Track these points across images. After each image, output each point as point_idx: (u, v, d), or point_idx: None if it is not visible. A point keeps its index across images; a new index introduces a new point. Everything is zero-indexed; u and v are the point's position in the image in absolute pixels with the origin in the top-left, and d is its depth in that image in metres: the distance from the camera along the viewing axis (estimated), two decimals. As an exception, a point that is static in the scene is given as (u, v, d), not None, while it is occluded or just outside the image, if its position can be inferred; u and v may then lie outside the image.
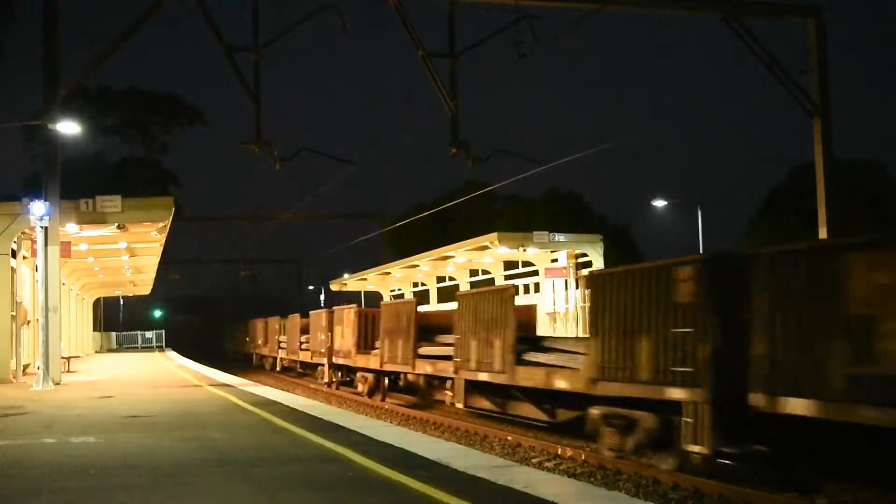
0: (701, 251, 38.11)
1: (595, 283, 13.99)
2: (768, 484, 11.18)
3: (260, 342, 51.99)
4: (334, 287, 59.21)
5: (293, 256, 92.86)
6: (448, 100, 24.83)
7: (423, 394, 23.60)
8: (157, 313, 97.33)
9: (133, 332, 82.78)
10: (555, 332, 29.59)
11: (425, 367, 21.57)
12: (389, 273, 45.58)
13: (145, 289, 59.17)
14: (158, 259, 40.56)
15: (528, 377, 15.87)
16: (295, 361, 39.70)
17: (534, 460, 14.29)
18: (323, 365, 31.97)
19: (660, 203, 42.53)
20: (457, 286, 40.82)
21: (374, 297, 53.82)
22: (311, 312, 35.94)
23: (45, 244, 23.17)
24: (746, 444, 11.07)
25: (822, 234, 26.45)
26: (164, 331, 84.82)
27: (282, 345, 43.28)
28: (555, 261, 33.49)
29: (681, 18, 47.70)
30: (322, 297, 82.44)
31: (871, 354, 9.00)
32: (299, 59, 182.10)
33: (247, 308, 75.27)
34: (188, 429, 12.83)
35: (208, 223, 71.42)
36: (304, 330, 37.01)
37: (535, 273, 34.88)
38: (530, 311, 20.22)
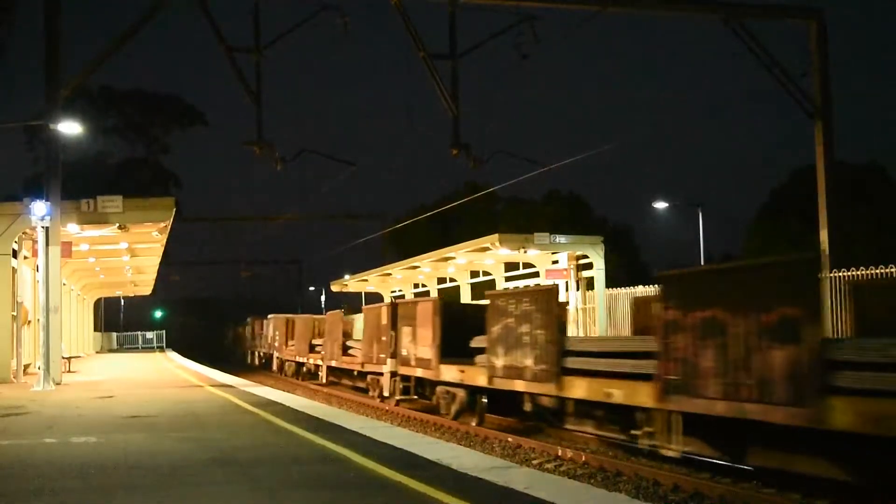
0: (702, 253, 38.18)
1: (364, 312, 26.59)
2: (770, 486, 11.19)
3: (238, 342, 64.66)
4: (335, 288, 59.14)
5: (294, 257, 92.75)
6: (449, 101, 24.85)
7: (315, 376, 34.15)
8: (158, 314, 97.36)
9: (134, 333, 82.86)
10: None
11: (316, 359, 33.40)
12: (390, 274, 45.57)
13: (146, 289, 59.19)
14: (159, 260, 40.59)
15: (346, 362, 28.19)
16: (264, 355, 49.25)
17: (534, 461, 14.29)
18: (272, 356, 43.95)
19: (661, 205, 42.51)
20: (457, 287, 40.85)
21: (375, 298, 53.79)
22: (269, 317, 45.98)
23: (46, 244, 23.21)
24: (411, 397, 22.18)
25: (823, 236, 26.43)
26: (164, 331, 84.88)
27: (255, 342, 54.32)
28: (555, 262, 33.46)
29: (682, 20, 47.73)
30: (323, 297, 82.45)
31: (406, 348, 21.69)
32: (300, 60, 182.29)
33: (248, 309, 75.24)
34: (189, 429, 12.85)
35: (209, 224, 71.44)
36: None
37: (536, 274, 34.85)
38: None
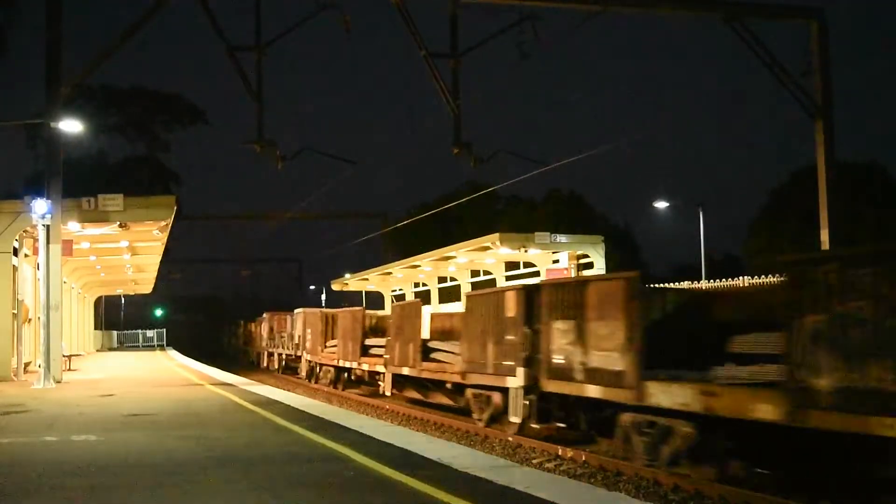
0: (703, 253, 38.16)
1: (466, 300, 19.05)
2: (769, 487, 11.17)
3: (250, 341, 57.45)
4: (336, 287, 59.16)
5: (294, 256, 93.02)
6: (450, 100, 24.84)
7: (369, 384, 27.59)
8: (158, 312, 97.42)
9: (134, 331, 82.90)
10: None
11: (374, 365, 25.34)
12: (391, 273, 45.56)
13: (146, 288, 59.21)
14: (160, 258, 40.58)
15: (431, 371, 20.57)
16: (286, 358, 42.01)
17: (534, 461, 14.28)
18: (300, 359, 36.32)
19: (661, 204, 42.48)
20: (458, 287, 40.83)
21: (375, 298, 53.81)
22: (297, 311, 38.43)
23: (47, 242, 23.21)
24: (552, 425, 15.48)
25: (824, 236, 26.41)
26: (164, 330, 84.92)
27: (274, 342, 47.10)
28: (556, 262, 33.48)
29: (683, 19, 47.69)
30: (323, 296, 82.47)
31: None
32: (301, 59, 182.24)
33: (248, 307, 75.28)
34: (189, 427, 12.84)
35: (210, 222, 71.50)
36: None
37: (537, 274, 34.83)
38: (452, 319, 23.18)
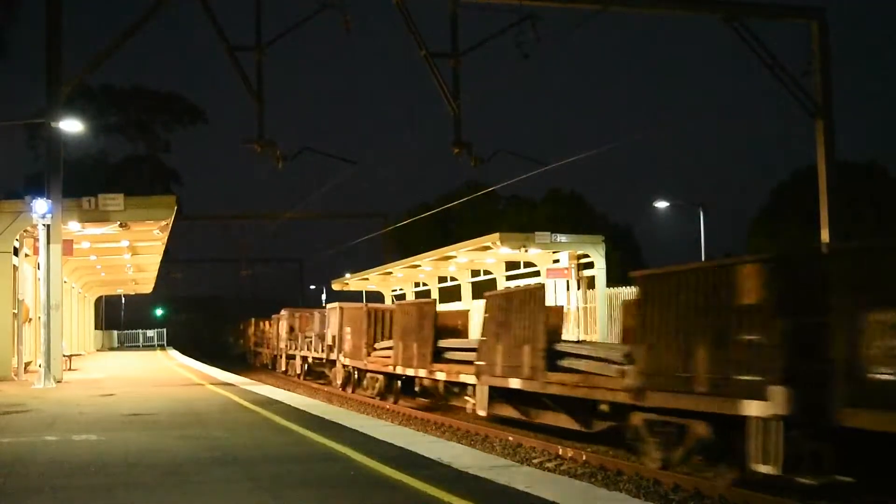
0: (703, 253, 38.11)
1: (668, 278, 12.16)
2: (770, 486, 11.17)
3: (263, 342, 54.04)
4: (336, 286, 59.25)
5: (295, 256, 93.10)
6: (450, 100, 24.84)
7: (441, 398, 22.07)
8: (159, 312, 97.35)
9: (134, 331, 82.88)
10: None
11: (456, 374, 19.81)
12: (391, 273, 45.62)
13: (147, 287, 59.22)
14: (160, 258, 40.61)
15: (563, 384, 14.65)
16: (314, 361, 36.73)
17: (535, 461, 14.29)
18: (333, 363, 31.22)
19: (661, 204, 42.44)
20: (458, 286, 40.86)
21: (375, 297, 53.88)
22: (331, 306, 32.72)
23: (48, 242, 23.22)
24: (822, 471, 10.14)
25: (825, 235, 26.44)
26: (165, 329, 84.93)
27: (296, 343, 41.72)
28: (556, 261, 33.50)
29: (683, 19, 47.74)
30: (324, 296, 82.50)
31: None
32: (301, 59, 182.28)
33: (248, 307, 75.20)
34: (190, 427, 12.85)
35: (210, 222, 71.52)
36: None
37: (537, 274, 34.86)
38: (559, 313, 18.86)
